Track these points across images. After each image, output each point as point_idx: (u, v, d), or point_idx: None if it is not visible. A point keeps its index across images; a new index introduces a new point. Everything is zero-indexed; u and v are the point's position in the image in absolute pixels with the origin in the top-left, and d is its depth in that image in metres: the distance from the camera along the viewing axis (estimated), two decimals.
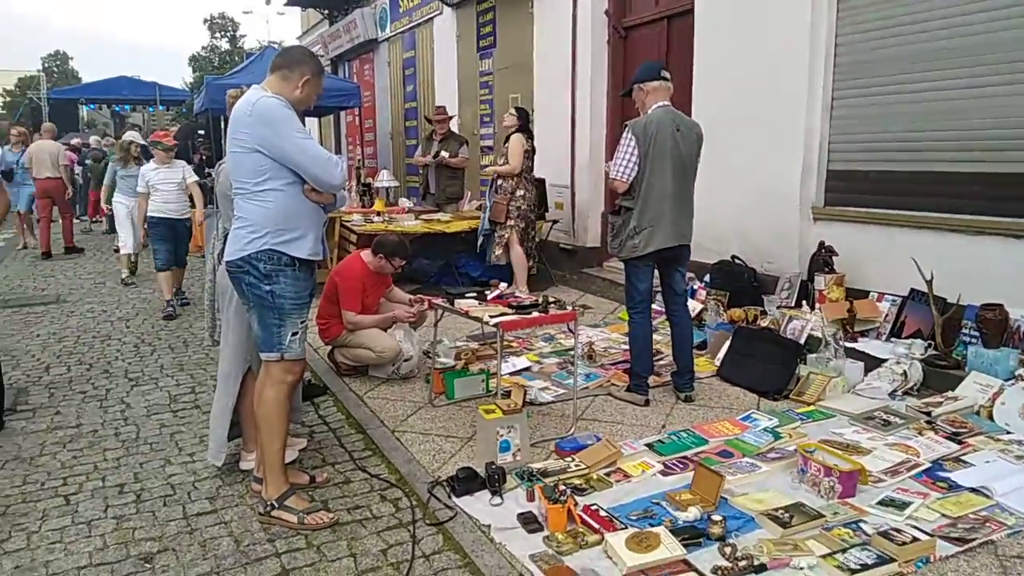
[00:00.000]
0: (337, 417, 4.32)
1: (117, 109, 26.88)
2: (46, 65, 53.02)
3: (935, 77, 4.72)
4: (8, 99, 52.05)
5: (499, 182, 6.96)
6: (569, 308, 3.92)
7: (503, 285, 4.31)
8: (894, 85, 4.97)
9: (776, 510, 2.86)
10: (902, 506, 2.90)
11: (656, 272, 4.28)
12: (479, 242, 7.21)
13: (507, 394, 3.72)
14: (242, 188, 3.00)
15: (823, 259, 5.19)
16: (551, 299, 3.91)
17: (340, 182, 3.05)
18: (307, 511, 3.08)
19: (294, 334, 3.07)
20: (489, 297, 4.10)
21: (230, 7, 71.06)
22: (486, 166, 10.36)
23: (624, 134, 4.09)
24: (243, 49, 45.97)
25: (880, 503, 2.94)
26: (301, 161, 2.91)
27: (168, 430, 4.19)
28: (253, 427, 3.45)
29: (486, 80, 10.46)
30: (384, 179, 8.94)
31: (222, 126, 13.83)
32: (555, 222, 8.01)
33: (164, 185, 6.91)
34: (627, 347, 5.23)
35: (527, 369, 4.88)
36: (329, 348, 4.99)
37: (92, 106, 26.35)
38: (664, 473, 3.28)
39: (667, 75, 4.20)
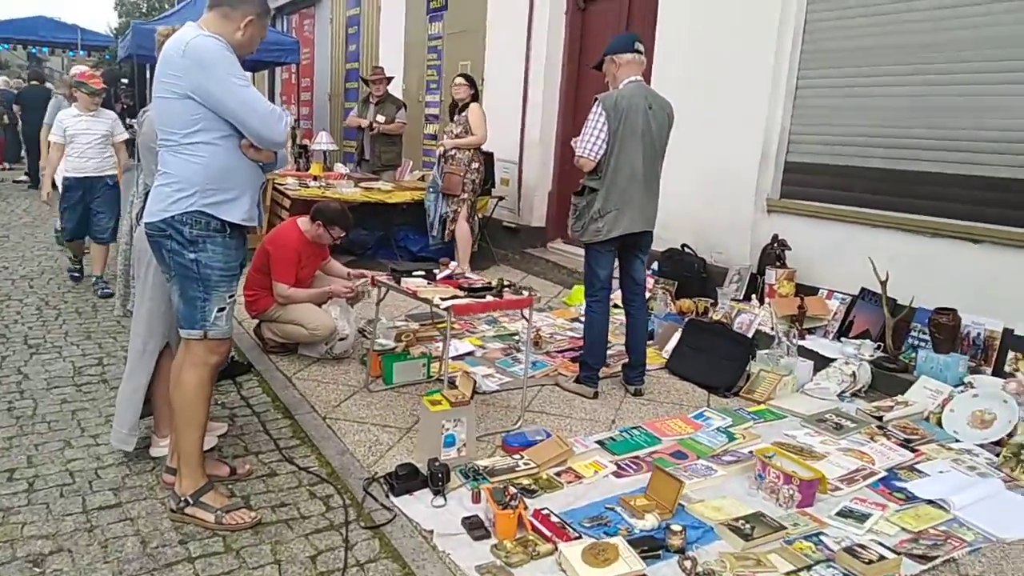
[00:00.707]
0: (262, 399, 3.98)
1: (34, 51, 25.11)
2: None
3: (909, 71, 4.61)
4: None
5: (452, 152, 6.61)
6: (525, 293, 3.67)
7: (453, 264, 4.03)
8: (865, 78, 4.86)
9: (736, 520, 2.70)
10: (861, 518, 2.79)
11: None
12: (430, 218, 6.85)
13: (452, 383, 3.46)
14: (169, 139, 2.63)
15: (775, 253, 5.10)
16: (505, 282, 3.66)
17: (283, 139, 2.71)
18: (225, 509, 2.76)
19: (220, 309, 2.72)
20: (439, 277, 3.81)
21: None
22: (432, 136, 10.00)
23: (593, 108, 3.83)
24: None
25: (839, 514, 2.82)
26: (240, 112, 2.55)
27: (70, 407, 3.78)
28: (168, 409, 3.10)
29: (435, 45, 10.04)
30: (323, 141, 8.49)
31: (148, 75, 12.98)
32: (501, 199, 7.74)
33: (85, 136, 5.78)
34: (573, 334, 5.09)
35: (470, 354, 4.62)
36: (256, 322, 4.62)
37: (6, 46, 24.47)
38: (617, 475, 3.09)
39: (641, 48, 3.97)
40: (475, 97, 6.67)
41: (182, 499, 2.77)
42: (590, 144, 3.83)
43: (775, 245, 5.11)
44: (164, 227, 2.62)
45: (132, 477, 3.08)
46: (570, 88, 7.69)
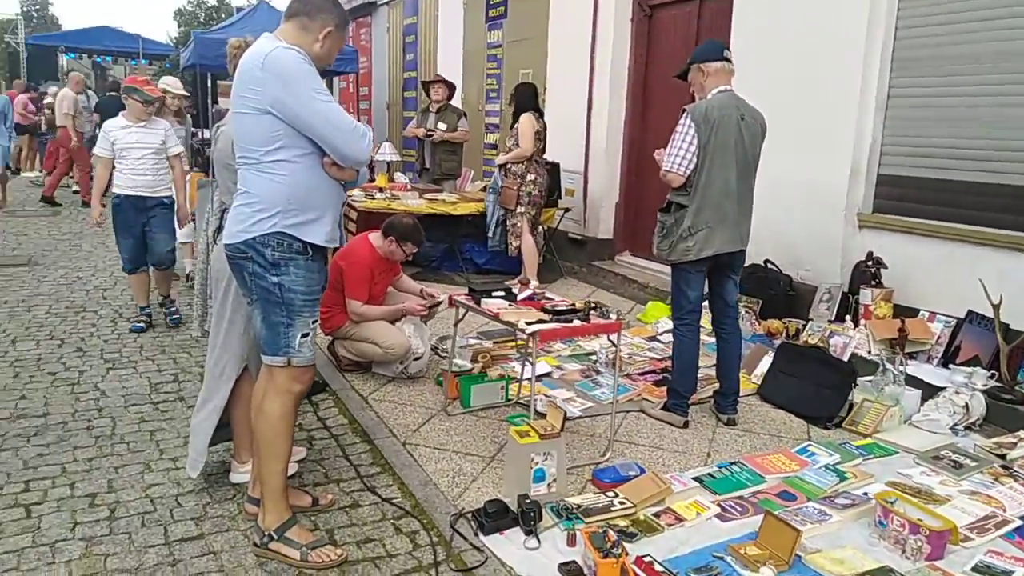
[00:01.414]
0: (339, 421, 3.87)
1: (99, 60, 25.87)
2: (24, 8, 51.04)
3: (1017, 79, 4.29)
4: None
5: (509, 166, 6.51)
6: (614, 317, 3.48)
7: (533, 284, 3.86)
8: (964, 86, 4.55)
9: None
10: None
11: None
12: (490, 230, 6.74)
13: (538, 411, 3.29)
14: (249, 157, 2.51)
15: (870, 271, 4.80)
16: (592, 304, 3.47)
17: (366, 157, 2.58)
18: (311, 545, 2.63)
19: (304, 335, 2.60)
20: (520, 297, 3.65)
21: None
22: (493, 145, 9.88)
23: (681, 120, 3.63)
24: (229, 5, 44.63)
25: (976, 570, 2.56)
26: (321, 129, 2.43)
27: (148, 426, 3.71)
28: (247, 435, 3.00)
29: (494, 53, 9.92)
30: (386, 152, 8.41)
31: (210, 84, 13.17)
32: (567, 210, 7.55)
33: (135, 150, 5.05)
34: (653, 355, 4.88)
35: (547, 375, 4.45)
36: (329, 340, 4.52)
37: (72, 55, 25.27)
38: (722, 517, 2.87)
39: (730, 56, 3.75)
40: (527, 106, 6.50)
41: (266, 534, 2.64)
42: (679, 158, 3.62)
43: (870, 263, 4.82)
44: (245, 249, 2.51)
45: (213, 505, 2.98)
46: (636, 96, 7.47)
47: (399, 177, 8.81)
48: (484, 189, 8.15)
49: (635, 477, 3.12)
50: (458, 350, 4.28)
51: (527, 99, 6.58)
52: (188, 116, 7.16)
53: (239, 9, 17.96)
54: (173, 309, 5.47)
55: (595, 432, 3.72)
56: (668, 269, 3.92)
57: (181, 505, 2.98)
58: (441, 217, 6.96)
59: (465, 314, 3.77)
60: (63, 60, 23.54)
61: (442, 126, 8.00)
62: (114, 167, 5.11)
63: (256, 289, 2.56)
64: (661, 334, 5.25)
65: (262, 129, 2.44)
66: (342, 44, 2.69)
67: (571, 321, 3.30)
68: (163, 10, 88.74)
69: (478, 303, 3.58)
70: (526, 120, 6.41)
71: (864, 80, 5.02)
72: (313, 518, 2.90)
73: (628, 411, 3.98)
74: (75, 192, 11.77)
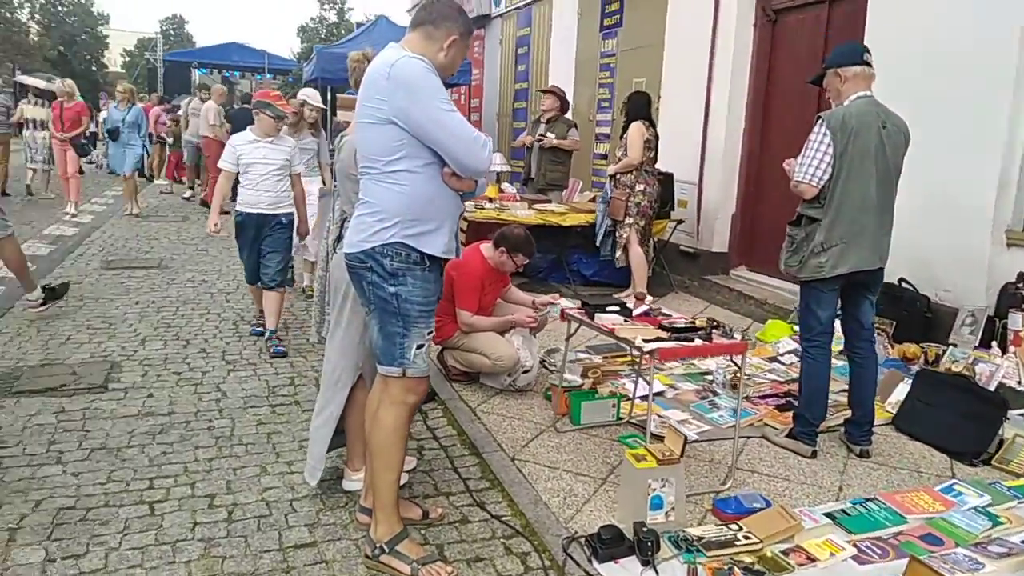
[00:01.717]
0: (448, 432, 3.83)
1: (227, 75, 27.42)
2: (163, 27, 54.97)
3: None
4: (128, 59, 54.38)
5: (619, 176, 6.38)
6: (738, 337, 3.28)
7: (649, 299, 3.71)
8: None
9: None
10: None
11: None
12: (598, 240, 6.63)
13: (638, 425, 3.14)
14: (371, 167, 2.51)
15: (1021, 293, 4.37)
16: (714, 322, 3.29)
17: (487, 167, 2.53)
18: (422, 561, 2.59)
19: (419, 347, 2.57)
20: (635, 313, 3.51)
21: None
22: (603, 156, 9.75)
23: (815, 128, 3.40)
24: (349, 21, 46.45)
25: None
26: (443, 139, 2.40)
27: (265, 428, 3.80)
28: (361, 442, 3.00)
29: (607, 62, 9.79)
30: (496, 163, 8.43)
31: (330, 97, 13.67)
32: (679, 222, 7.32)
33: (260, 166, 4.91)
34: (774, 376, 4.61)
35: (659, 394, 4.27)
36: (439, 349, 4.51)
37: (204, 70, 26.91)
38: (859, 559, 2.63)
39: (870, 59, 3.49)
40: (637, 114, 6.35)
41: (377, 546, 2.62)
42: (812, 168, 3.39)
43: (1020, 285, 4.39)
44: (365, 259, 2.51)
45: (326, 512, 2.99)
46: (757, 104, 7.16)
47: (507, 187, 8.81)
48: (594, 199, 8.04)
49: (760, 510, 2.91)
50: (567, 364, 4.17)
51: (639, 108, 6.43)
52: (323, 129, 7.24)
53: (359, 24, 18.60)
54: (277, 342, 5.04)
55: (713, 458, 3.52)
56: (789, 286, 3.71)
57: (295, 510, 3.00)
58: (549, 228, 6.88)
59: (577, 329, 3.67)
60: (195, 75, 25.09)
61: (551, 135, 7.96)
62: (238, 181, 5.08)
63: (374, 299, 2.55)
64: (782, 355, 4.97)
65: (385, 139, 2.44)
66: (465, 53, 2.66)
67: (692, 340, 3.13)
68: (287, 27, 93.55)
69: (591, 317, 3.46)
70: (635, 129, 6.26)
71: (1016, 85, 4.59)
72: (423, 531, 2.86)
73: (749, 437, 3.76)
74: (187, 199, 12.43)
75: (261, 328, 5.27)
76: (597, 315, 3.44)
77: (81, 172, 11.24)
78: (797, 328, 5.12)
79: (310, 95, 6.26)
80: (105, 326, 5.42)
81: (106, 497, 3.02)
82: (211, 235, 5.17)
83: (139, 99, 11.95)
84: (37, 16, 45.15)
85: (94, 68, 47.94)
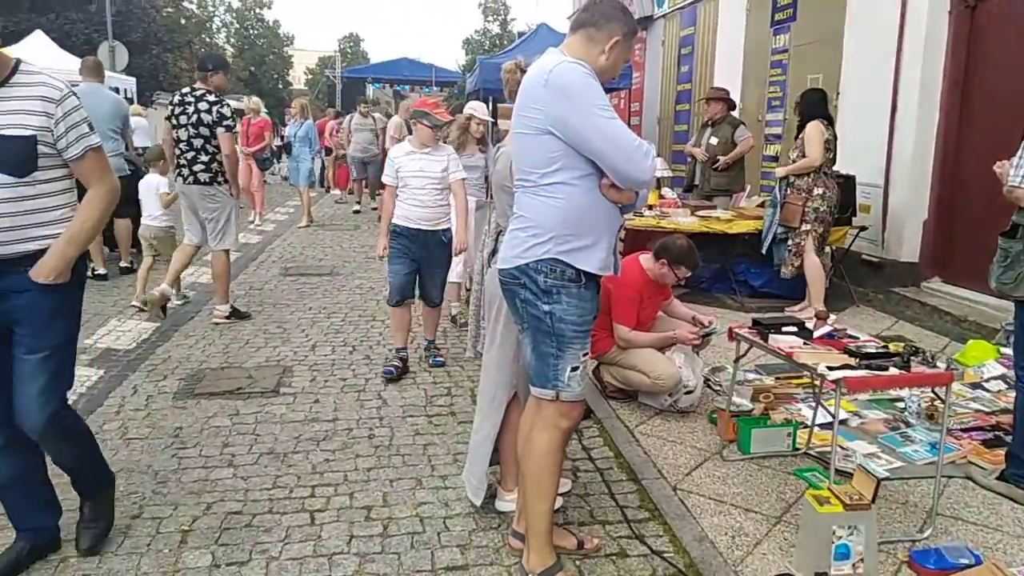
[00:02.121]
0: (604, 453, 3.65)
1: (398, 89, 28.78)
2: (341, 46, 58.74)
3: None
4: (310, 76, 58.68)
5: (792, 179, 5.92)
6: (942, 367, 2.87)
7: (832, 318, 3.34)
8: None
9: None
10: None
11: None
12: (764, 246, 6.20)
13: (816, 458, 2.79)
14: (526, 180, 2.40)
15: None
16: (911, 346, 2.89)
17: (650, 178, 2.35)
18: None
19: (574, 369, 2.42)
20: (816, 334, 3.16)
21: None
22: (773, 158, 9.18)
23: None
24: (512, 32, 47.41)
25: None
26: (603, 147, 2.24)
27: (421, 439, 3.80)
28: (514, 463, 2.89)
29: (779, 59, 9.19)
30: (657, 167, 8.12)
31: (491, 107, 13.88)
32: (862, 228, 6.69)
33: (418, 179, 4.56)
34: (979, 406, 4.05)
35: (843, 422, 3.85)
36: (595, 364, 4.34)
37: (377, 85, 28.42)
38: None
39: None
40: (813, 112, 5.88)
41: None
42: None
43: None
44: (518, 275, 2.40)
45: (479, 533, 2.91)
46: (954, 100, 6.40)
47: (668, 193, 8.48)
48: (762, 205, 7.55)
49: (968, 566, 2.51)
50: (736, 387, 3.86)
51: (815, 105, 5.95)
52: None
53: (521, 34, 18.86)
54: (436, 352, 4.99)
55: (908, 500, 3.10)
56: (993, 300, 3.21)
57: (448, 529, 2.95)
58: (713, 235, 6.52)
59: (748, 350, 3.37)
60: (370, 90, 26.53)
61: (713, 140, 7.61)
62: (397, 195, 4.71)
63: (527, 317, 2.43)
64: (987, 381, 4.35)
65: (541, 150, 2.32)
66: (628, 55, 2.49)
67: (886, 368, 2.76)
68: (453, 40, 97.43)
69: (765, 339, 3.16)
70: (813, 128, 5.78)
71: None
72: (578, 563, 2.71)
73: (951, 477, 3.29)
74: (356, 212, 12.75)
75: (393, 370, 4.64)
76: (772, 336, 3.13)
77: (265, 183, 12.12)
78: (1006, 351, 4.51)
79: (476, 108, 5.61)
80: (280, 331, 5.72)
81: (271, 503, 3.11)
82: (380, 259, 4.91)
83: (322, 114, 12.64)
84: (232, 39, 49.77)
85: (280, 86, 52.06)
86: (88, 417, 3.93)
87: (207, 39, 43.05)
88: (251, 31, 51.68)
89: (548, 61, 2.34)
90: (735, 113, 8.38)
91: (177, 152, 5.71)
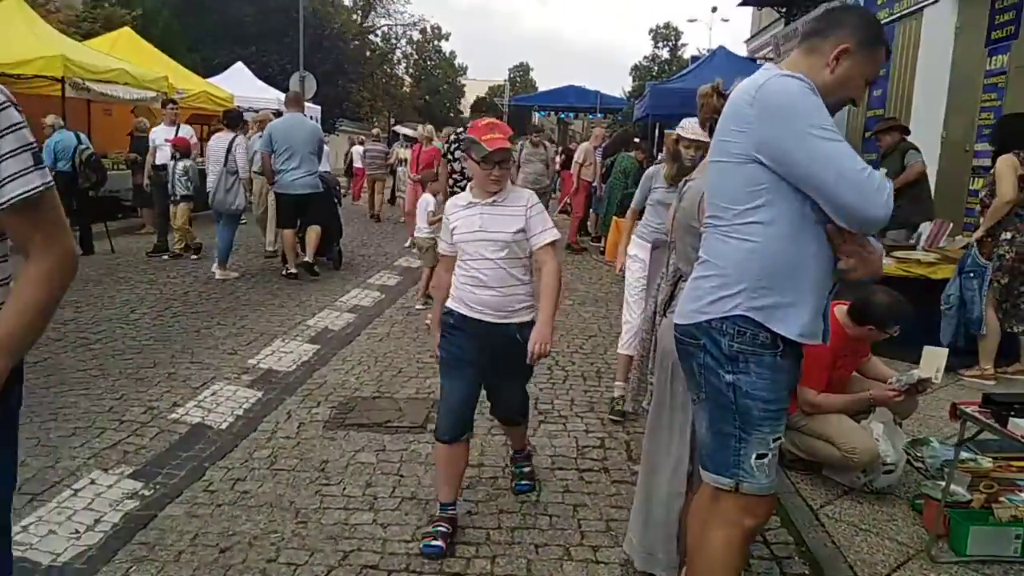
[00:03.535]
0: (783, 537, 3.15)
1: (563, 116, 28.98)
2: (511, 75, 60.33)
3: None
4: None
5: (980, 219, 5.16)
6: None
7: None
8: None
9: None
10: None
11: None
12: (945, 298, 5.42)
13: None
14: (718, 217, 2.02)
15: None
16: None
17: (884, 215, 1.86)
18: None
19: (761, 456, 1.99)
20: None
21: (676, 17, 73.10)
22: (977, 192, 8.10)
23: None
24: (682, 58, 46.56)
25: None
26: (821, 176, 1.82)
27: (571, 498, 3.47)
28: (688, 551, 2.50)
29: (994, 82, 8.11)
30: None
31: (657, 132, 13.46)
32: None
33: (474, 245, 3.03)
34: None
35: None
36: None
37: (543, 113, 28.75)
38: None
39: None
40: (1008, 148, 5.06)
41: None
42: None
43: None
44: (698, 335, 2.02)
45: None
46: None
47: None
48: (966, 247, 6.62)
49: None
50: (957, 477, 3.21)
51: (1014, 135, 5.10)
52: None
53: (694, 59, 18.29)
54: (524, 468, 3.60)
55: None
56: None
57: None
58: (913, 280, 5.72)
59: (977, 433, 2.76)
60: (535, 117, 26.90)
61: (882, 171, 6.77)
62: None
63: (705, 386, 2.04)
64: None
65: (742, 181, 1.93)
66: (868, 71, 2.00)
67: None
68: (621, 67, 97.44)
69: (1003, 422, 2.55)
70: (1005, 162, 4.99)
71: None
72: None
73: None
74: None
75: (439, 541, 2.95)
76: (1014, 421, 2.53)
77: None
78: None
79: (686, 126, 4.02)
80: (433, 360, 5.53)
81: (408, 559, 2.89)
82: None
83: None
84: (411, 70, 52.47)
85: (451, 114, 54.20)
86: (240, 443, 3.96)
87: (388, 70, 45.69)
88: (428, 62, 54.25)
89: (759, 77, 1.96)
90: (936, 144, 7.46)
91: (451, 181, 6.90)
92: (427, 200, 7.12)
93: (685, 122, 4.08)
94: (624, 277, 4.64)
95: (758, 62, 16.83)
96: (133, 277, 8.17)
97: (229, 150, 8.31)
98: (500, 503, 3.39)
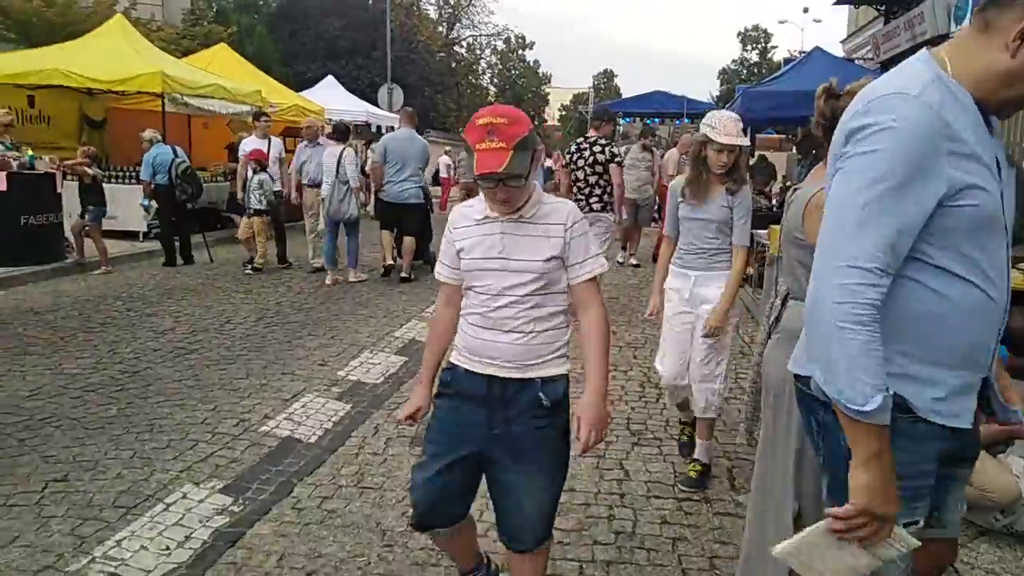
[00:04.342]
0: None
1: (648, 122, 28.50)
2: (595, 82, 60.03)
3: None
4: (564, 113, 60.69)
5: None
6: None
7: None
8: None
9: None
10: None
11: None
12: None
13: None
14: None
15: None
16: None
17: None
18: None
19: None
20: None
21: (765, 19, 71.12)
22: None
23: None
24: (772, 60, 45.22)
25: None
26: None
27: (670, 530, 3.24)
28: None
29: None
30: None
31: (748, 137, 12.95)
32: None
33: (493, 274, 2.36)
34: None
35: None
36: None
37: (628, 119, 28.33)
38: None
39: None
40: None
41: None
42: None
43: None
44: (816, 390, 1.59)
45: None
46: None
47: None
48: None
49: None
50: None
51: None
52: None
53: (787, 61, 17.63)
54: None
55: None
56: None
57: None
58: None
59: None
60: (620, 124, 26.56)
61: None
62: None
63: (822, 448, 1.68)
64: None
65: None
66: None
67: None
68: (708, 71, 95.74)
69: None
70: None
71: None
72: None
73: None
74: (634, 266, 10.93)
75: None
76: None
77: None
78: None
79: (716, 121, 3.45)
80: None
81: None
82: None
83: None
84: (495, 80, 52.91)
85: (535, 123, 54.30)
86: (328, 457, 3.90)
87: (473, 80, 46.17)
88: (512, 72, 54.58)
89: (881, 84, 1.56)
90: None
91: (575, 189, 6.87)
92: None
93: (715, 119, 3.44)
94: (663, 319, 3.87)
95: (856, 63, 16.01)
96: (229, 287, 8.38)
97: (339, 162, 8.58)
98: (593, 533, 3.20)
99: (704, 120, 3.55)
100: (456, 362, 2.25)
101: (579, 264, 2.17)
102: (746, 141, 3.61)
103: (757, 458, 2.58)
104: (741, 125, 3.49)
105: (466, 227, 2.23)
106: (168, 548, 2.99)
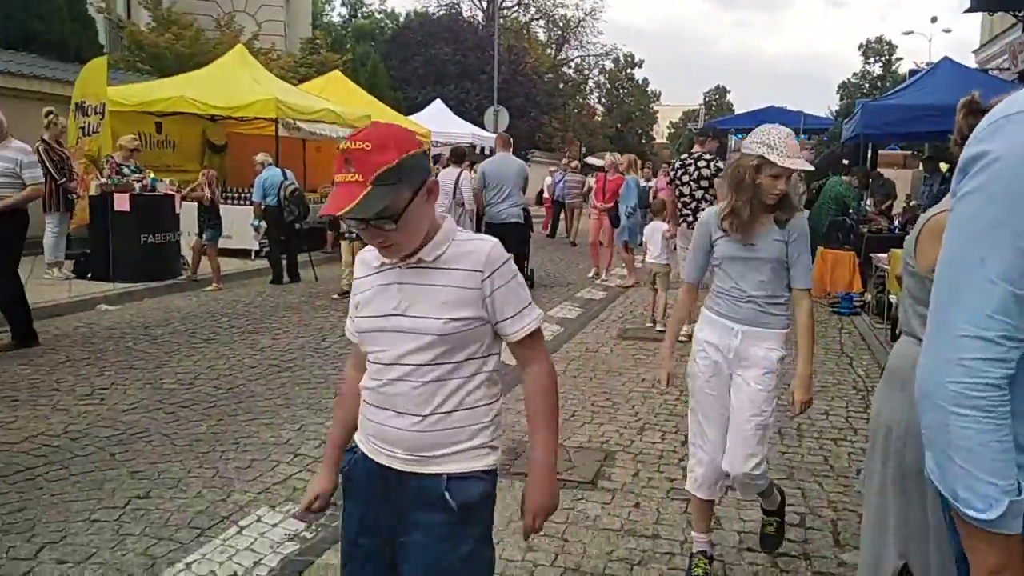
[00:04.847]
0: None
1: None
2: (707, 99, 58.78)
3: None
4: (672, 131, 59.73)
5: None
6: None
7: None
8: None
9: None
10: None
11: None
12: None
13: None
14: None
15: None
16: None
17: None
18: None
19: None
20: None
21: (889, 30, 67.74)
22: None
23: None
24: (896, 73, 42.91)
25: None
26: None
27: (755, 570, 2.94)
28: None
29: None
30: None
31: (870, 153, 12.19)
32: None
33: (384, 335, 1.83)
34: None
35: None
36: None
37: (740, 135, 27.49)
38: None
39: None
40: None
41: None
42: None
43: None
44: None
45: None
46: None
47: None
48: None
49: None
50: None
51: None
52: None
53: (911, 73, 16.57)
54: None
55: None
56: None
57: None
58: None
59: None
60: (732, 141, 25.79)
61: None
62: None
63: (947, 512, 1.43)
64: None
65: None
66: None
67: None
68: (827, 85, 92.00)
69: None
70: None
71: None
72: None
73: None
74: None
75: None
76: None
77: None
78: None
79: (777, 144, 2.73)
80: (609, 404, 5.24)
81: None
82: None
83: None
84: (603, 100, 52.71)
85: (643, 141, 53.68)
86: None
87: (580, 100, 46.18)
88: (620, 90, 54.24)
89: (1006, 104, 1.20)
90: None
91: (680, 204, 7.06)
92: (657, 226, 7.56)
93: (773, 137, 2.69)
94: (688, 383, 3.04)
95: (990, 73, 14.83)
96: (328, 305, 8.57)
97: (456, 184, 8.77)
98: (655, 565, 2.94)
99: (754, 137, 2.78)
100: (358, 442, 1.77)
101: (511, 319, 1.68)
102: (807, 165, 2.95)
103: (865, 498, 2.28)
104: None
105: (365, 276, 1.73)
106: (236, 574, 2.96)
